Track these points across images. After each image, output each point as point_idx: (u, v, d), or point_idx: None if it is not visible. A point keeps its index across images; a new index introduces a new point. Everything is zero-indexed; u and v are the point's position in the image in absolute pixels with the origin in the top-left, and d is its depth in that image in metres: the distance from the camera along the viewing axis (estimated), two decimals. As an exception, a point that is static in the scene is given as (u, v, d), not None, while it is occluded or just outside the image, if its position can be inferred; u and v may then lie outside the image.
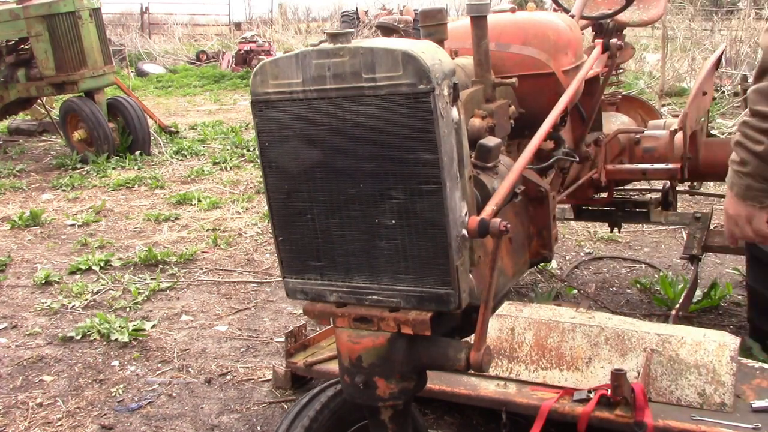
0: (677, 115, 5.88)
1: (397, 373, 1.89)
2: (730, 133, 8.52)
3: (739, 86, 10.20)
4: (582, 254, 5.68)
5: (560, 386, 2.94)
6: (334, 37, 1.72)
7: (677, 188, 4.54)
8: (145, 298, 5.04)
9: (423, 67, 1.62)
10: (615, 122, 4.05)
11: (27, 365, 4.11)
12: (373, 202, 1.76)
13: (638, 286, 4.89)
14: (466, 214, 1.76)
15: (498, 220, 1.69)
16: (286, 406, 3.54)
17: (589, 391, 2.81)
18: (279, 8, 23.84)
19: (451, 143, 1.70)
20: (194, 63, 23.57)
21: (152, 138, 10.54)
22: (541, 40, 2.66)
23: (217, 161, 9.50)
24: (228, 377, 3.90)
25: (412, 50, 1.63)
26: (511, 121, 2.36)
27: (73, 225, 7.00)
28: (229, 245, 6.19)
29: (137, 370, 4.03)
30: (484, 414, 3.28)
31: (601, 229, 6.02)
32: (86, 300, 5.02)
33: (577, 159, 3.10)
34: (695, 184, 4.68)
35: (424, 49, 1.67)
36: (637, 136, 3.93)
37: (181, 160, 9.90)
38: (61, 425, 3.49)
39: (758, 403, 2.77)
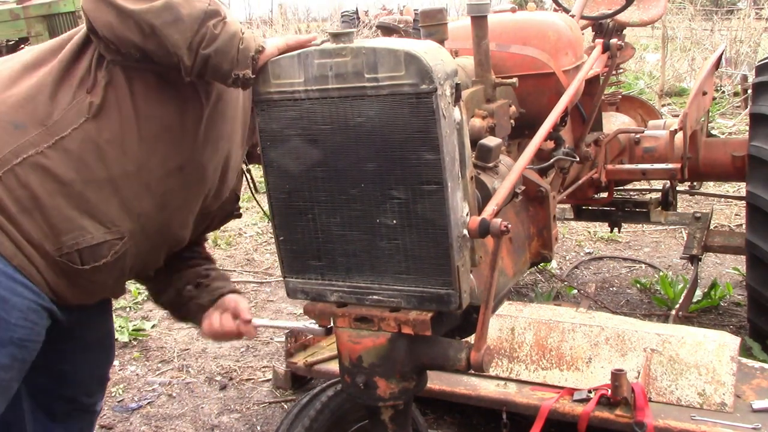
0: (677, 115, 5.89)
1: (398, 373, 1.89)
2: (730, 133, 8.52)
3: (739, 86, 10.22)
4: (582, 254, 5.68)
5: (560, 386, 2.94)
6: (336, 36, 1.71)
7: (677, 188, 4.54)
8: (146, 298, 5.04)
9: (425, 68, 1.62)
10: (615, 122, 4.05)
11: (27, 365, 4.11)
12: (374, 202, 1.76)
13: (638, 286, 4.89)
14: (467, 214, 1.76)
15: (498, 220, 1.69)
16: (286, 406, 3.54)
17: (589, 391, 2.81)
18: (279, 8, 23.80)
19: (452, 143, 1.70)
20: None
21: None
22: (542, 40, 2.66)
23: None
24: (228, 377, 3.91)
25: (414, 50, 1.63)
26: (512, 121, 2.35)
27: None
28: (229, 245, 6.20)
29: (137, 370, 4.03)
30: (484, 414, 3.28)
31: (601, 229, 6.03)
32: (86, 300, 5.02)
33: (577, 159, 3.09)
34: (695, 184, 4.67)
35: (427, 50, 1.67)
36: (637, 136, 3.93)
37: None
38: (61, 425, 3.49)
39: (758, 403, 2.78)
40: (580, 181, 3.40)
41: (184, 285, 2.33)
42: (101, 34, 1.83)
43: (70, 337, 2.21)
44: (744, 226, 3.97)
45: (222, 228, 6.66)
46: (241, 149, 2.21)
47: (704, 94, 4.12)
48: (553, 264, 5.32)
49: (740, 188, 5.90)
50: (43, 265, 1.87)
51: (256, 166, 2.42)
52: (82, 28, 1.96)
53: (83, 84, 1.89)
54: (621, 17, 3.82)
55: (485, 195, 1.94)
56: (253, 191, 2.43)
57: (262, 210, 2.78)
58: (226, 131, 2.08)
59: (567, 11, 3.49)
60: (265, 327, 2.34)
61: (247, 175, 2.39)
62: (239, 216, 2.41)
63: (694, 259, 4.19)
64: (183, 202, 2.07)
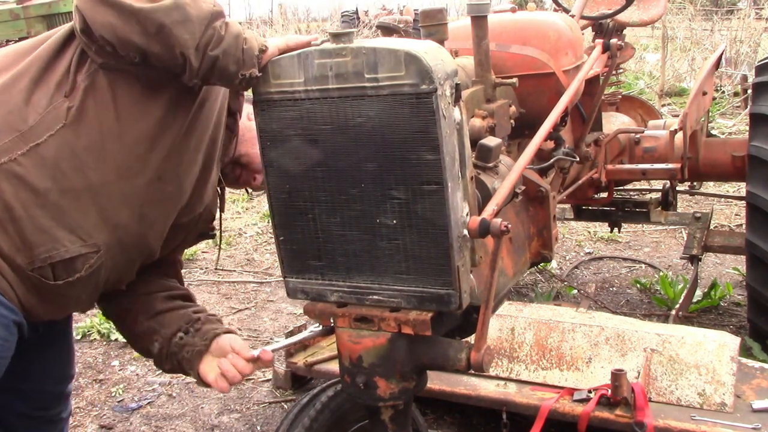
0: (677, 115, 5.89)
1: (398, 373, 1.89)
2: (730, 133, 8.52)
3: (739, 86, 10.20)
4: (582, 254, 5.68)
5: (560, 386, 2.94)
6: (336, 36, 1.71)
7: (677, 188, 4.54)
8: (145, 298, 5.03)
9: (425, 68, 1.62)
10: (615, 122, 4.05)
11: (27, 365, 4.11)
12: (374, 202, 1.76)
13: (638, 286, 4.89)
14: (467, 215, 1.76)
15: (499, 220, 1.69)
16: (286, 406, 3.54)
17: (589, 391, 2.81)
18: (279, 8, 23.81)
19: (452, 144, 1.70)
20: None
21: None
22: (542, 40, 2.66)
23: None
24: (228, 377, 3.90)
25: (414, 50, 1.63)
26: (512, 121, 2.36)
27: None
28: (229, 245, 6.20)
29: (137, 370, 4.03)
30: (484, 414, 3.28)
31: (601, 229, 6.03)
32: (86, 300, 5.02)
33: (577, 159, 3.10)
34: (695, 184, 4.68)
35: (427, 50, 1.67)
36: (637, 136, 3.93)
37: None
38: (61, 425, 3.49)
39: (758, 403, 2.78)
40: (580, 181, 3.40)
41: (175, 332, 2.13)
42: (98, 35, 1.74)
43: (29, 355, 2.08)
44: (744, 226, 3.97)
45: (222, 228, 6.68)
46: (217, 165, 2.12)
47: (704, 94, 4.13)
48: (553, 264, 5.32)
49: (740, 188, 5.90)
50: (15, 279, 1.78)
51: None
52: (59, 29, 1.89)
53: (61, 87, 1.81)
54: (621, 17, 3.82)
55: (485, 195, 1.94)
56: (220, 211, 2.28)
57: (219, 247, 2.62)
58: (204, 141, 2.01)
59: (567, 11, 3.49)
60: (276, 350, 2.28)
61: (219, 193, 2.27)
62: (213, 237, 2.30)
63: (694, 259, 4.19)
64: (160, 214, 1.99)
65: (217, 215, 2.27)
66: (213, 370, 2.08)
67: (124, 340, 4.29)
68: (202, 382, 2.11)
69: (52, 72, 1.83)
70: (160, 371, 3.94)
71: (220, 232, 2.33)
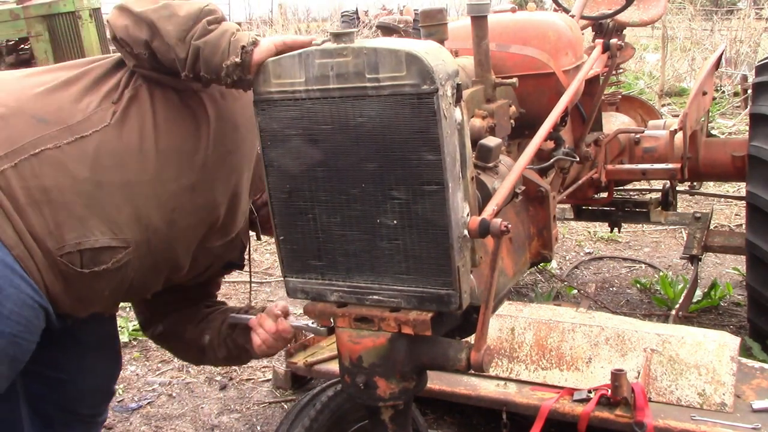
0: (677, 115, 5.89)
1: (398, 373, 1.89)
2: (730, 133, 8.52)
3: (739, 86, 10.21)
4: (582, 254, 5.68)
5: (560, 386, 2.94)
6: (337, 36, 1.71)
7: (677, 188, 4.54)
8: (145, 298, 5.03)
9: (426, 68, 1.62)
10: (615, 122, 4.05)
11: (27, 365, 4.11)
12: (374, 202, 1.76)
13: (638, 286, 4.89)
14: (467, 215, 1.76)
15: (499, 220, 1.69)
16: (286, 406, 3.54)
17: (589, 391, 2.81)
18: (279, 8, 23.80)
19: (453, 144, 1.70)
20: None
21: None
22: (542, 40, 2.66)
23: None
24: (228, 377, 3.91)
25: (415, 51, 1.63)
26: (512, 121, 2.36)
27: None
28: (229, 245, 6.19)
29: (137, 370, 4.03)
30: (484, 414, 3.28)
31: (601, 229, 6.03)
32: (86, 299, 5.01)
33: (577, 159, 3.10)
34: (695, 184, 4.68)
35: (428, 50, 1.67)
36: (637, 136, 3.93)
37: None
38: (61, 425, 3.49)
39: (758, 403, 2.78)
40: (580, 181, 3.40)
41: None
42: (119, 37, 1.97)
43: (66, 345, 2.17)
44: (744, 226, 3.97)
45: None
46: (248, 193, 2.26)
47: (704, 94, 4.13)
48: (553, 264, 5.32)
49: (740, 188, 5.90)
50: (43, 263, 1.85)
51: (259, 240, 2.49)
52: (115, 54, 2.11)
53: (109, 96, 2.00)
54: (621, 17, 3.82)
55: (485, 195, 1.94)
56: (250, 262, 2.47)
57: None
58: (237, 163, 2.15)
59: (567, 11, 3.50)
60: (298, 328, 2.35)
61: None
62: (242, 267, 2.44)
63: (694, 259, 4.19)
64: (190, 224, 2.09)
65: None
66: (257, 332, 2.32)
67: (124, 340, 4.33)
68: (256, 354, 2.35)
69: (104, 84, 2.02)
70: (160, 371, 3.97)
71: (250, 267, 2.49)
